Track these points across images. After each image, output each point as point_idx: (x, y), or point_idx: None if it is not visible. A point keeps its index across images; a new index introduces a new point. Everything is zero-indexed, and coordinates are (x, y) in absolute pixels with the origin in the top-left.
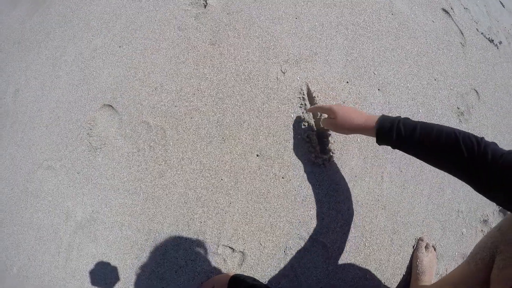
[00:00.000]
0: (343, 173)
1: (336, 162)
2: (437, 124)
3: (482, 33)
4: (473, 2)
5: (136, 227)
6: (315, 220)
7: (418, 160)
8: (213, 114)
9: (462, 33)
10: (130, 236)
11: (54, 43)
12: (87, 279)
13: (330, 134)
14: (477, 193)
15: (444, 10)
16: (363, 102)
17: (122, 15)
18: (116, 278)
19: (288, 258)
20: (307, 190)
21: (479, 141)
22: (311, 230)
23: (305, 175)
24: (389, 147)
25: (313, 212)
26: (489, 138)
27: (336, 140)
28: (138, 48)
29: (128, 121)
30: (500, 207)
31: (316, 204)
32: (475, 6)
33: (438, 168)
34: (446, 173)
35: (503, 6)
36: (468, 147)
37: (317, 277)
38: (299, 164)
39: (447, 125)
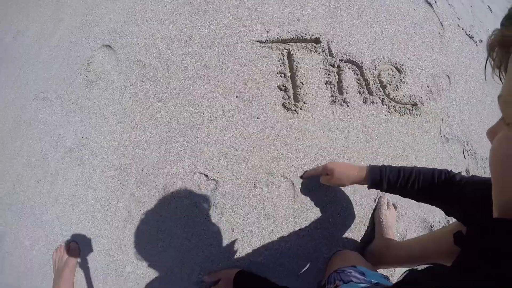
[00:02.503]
0: (312, 122)
1: (307, 112)
2: (416, 167)
3: (462, 29)
4: (459, 0)
5: (121, 152)
6: (284, 159)
7: (384, 122)
8: (201, 59)
9: (442, 24)
10: (114, 160)
11: None
12: (68, 202)
13: (303, 85)
14: (438, 161)
15: (427, 2)
16: (335, 61)
17: None
18: (97, 201)
19: (258, 191)
20: (279, 131)
21: (448, 172)
22: (280, 168)
23: (278, 118)
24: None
25: (283, 151)
26: (456, 120)
27: (309, 93)
28: None
29: (124, 59)
30: None
31: (286, 145)
32: (460, 4)
33: (418, 201)
34: (410, 140)
35: (491, 10)
36: (439, 179)
37: (283, 212)
38: (273, 108)
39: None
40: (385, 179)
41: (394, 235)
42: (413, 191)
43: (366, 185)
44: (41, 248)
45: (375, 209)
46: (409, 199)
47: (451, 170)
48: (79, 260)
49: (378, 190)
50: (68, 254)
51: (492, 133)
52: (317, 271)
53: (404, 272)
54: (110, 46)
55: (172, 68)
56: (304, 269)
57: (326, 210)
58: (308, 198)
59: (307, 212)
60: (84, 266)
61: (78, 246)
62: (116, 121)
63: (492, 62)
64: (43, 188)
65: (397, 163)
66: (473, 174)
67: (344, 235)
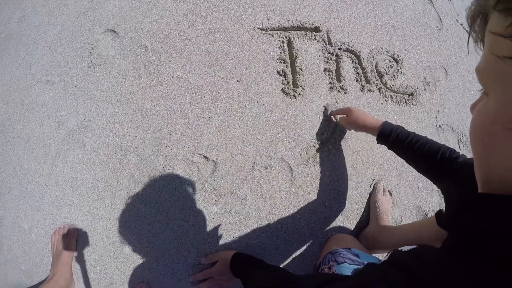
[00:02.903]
0: (310, 107)
1: (306, 97)
2: (425, 137)
3: (461, 24)
4: None
5: (123, 133)
6: (282, 142)
7: (380, 110)
8: (203, 44)
9: (440, 19)
10: (116, 142)
11: None
12: (69, 184)
13: (302, 71)
14: None
15: None
16: (334, 50)
17: None
18: (97, 182)
19: (256, 173)
20: (277, 115)
21: (453, 151)
22: (278, 151)
23: (277, 103)
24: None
25: (281, 135)
26: (452, 111)
27: (307, 79)
28: None
29: (128, 44)
30: None
31: (284, 128)
32: (460, 1)
33: (413, 166)
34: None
35: None
36: (442, 155)
37: (280, 195)
38: (272, 93)
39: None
40: (394, 135)
41: (389, 221)
42: (415, 156)
43: (375, 138)
44: (39, 231)
45: (370, 194)
46: (404, 188)
47: (457, 151)
48: (77, 242)
49: (374, 178)
50: (67, 237)
51: (473, 106)
52: (312, 255)
53: (388, 252)
54: (114, 31)
55: (175, 52)
56: (299, 252)
57: (322, 194)
58: (305, 182)
59: (304, 195)
60: (82, 249)
61: (77, 229)
62: (119, 103)
63: (474, 35)
64: (43, 171)
65: (391, 152)
66: None
67: (339, 219)
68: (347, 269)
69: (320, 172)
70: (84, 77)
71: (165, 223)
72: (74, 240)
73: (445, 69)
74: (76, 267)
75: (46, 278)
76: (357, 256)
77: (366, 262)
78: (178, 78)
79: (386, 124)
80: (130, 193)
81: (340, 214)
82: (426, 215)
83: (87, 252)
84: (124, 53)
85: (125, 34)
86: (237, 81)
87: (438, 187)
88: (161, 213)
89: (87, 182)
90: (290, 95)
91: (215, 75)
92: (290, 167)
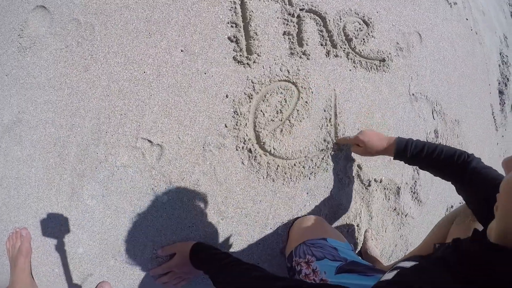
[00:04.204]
0: (267, 76)
1: (261, 65)
2: (440, 144)
3: None
4: None
5: (59, 123)
6: (234, 118)
7: (348, 77)
8: (142, 11)
9: None
10: (53, 133)
11: None
12: (12, 185)
13: (257, 36)
14: (406, 120)
15: None
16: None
17: None
18: (40, 180)
19: (207, 155)
20: (229, 87)
21: (469, 155)
22: (231, 127)
23: (228, 73)
24: None
25: (233, 109)
26: (426, 79)
27: (264, 44)
28: None
29: (59, 20)
30: None
31: (238, 102)
32: None
33: (435, 174)
34: (377, 97)
35: None
36: (459, 159)
37: (237, 177)
38: (223, 62)
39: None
40: (410, 150)
41: (380, 262)
42: (433, 165)
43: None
44: None
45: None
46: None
47: (472, 154)
48: (32, 245)
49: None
50: (21, 241)
51: (507, 163)
52: (277, 238)
53: (393, 268)
54: (44, 7)
55: (110, 24)
56: (263, 236)
57: (285, 173)
58: (264, 161)
59: (264, 176)
60: (38, 251)
61: (29, 232)
62: (52, 89)
63: None
64: None
65: (362, 121)
66: (442, 135)
67: (305, 198)
68: (330, 267)
69: (281, 149)
70: (15, 64)
71: (115, 218)
72: (28, 243)
73: (419, 34)
74: (38, 271)
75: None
76: (335, 249)
77: (346, 258)
78: (115, 53)
79: (399, 143)
80: (75, 188)
81: (306, 193)
82: (399, 189)
83: (43, 254)
84: (55, 30)
85: (55, 8)
86: (181, 51)
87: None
88: (109, 207)
89: (30, 181)
90: (244, 64)
91: (156, 46)
92: (247, 145)
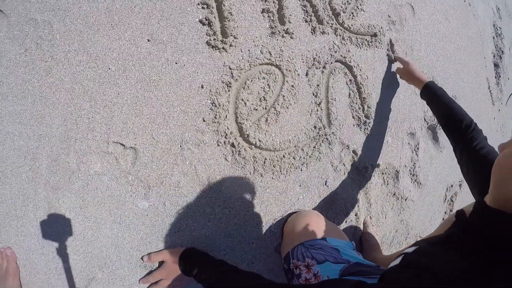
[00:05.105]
0: (246, 60)
1: (239, 48)
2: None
3: None
4: None
5: (27, 134)
6: (213, 110)
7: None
8: (102, 1)
9: None
10: (21, 146)
11: None
12: None
13: (232, 16)
14: (402, 98)
15: None
16: None
17: None
18: (15, 197)
19: (186, 154)
20: (204, 76)
21: (472, 130)
22: (209, 121)
23: (202, 60)
24: None
25: (211, 101)
26: (421, 53)
27: (240, 25)
28: None
29: (16, 22)
30: (429, 124)
31: (215, 92)
32: None
33: (440, 121)
34: (370, 75)
35: None
36: (467, 122)
37: (221, 175)
38: (195, 48)
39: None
40: (437, 90)
41: (381, 250)
42: (444, 116)
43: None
44: None
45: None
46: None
47: (475, 129)
48: (18, 264)
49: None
50: (6, 261)
51: (502, 147)
52: (271, 236)
53: (399, 256)
54: (0, 10)
55: (69, 19)
56: (256, 235)
57: (274, 166)
58: (249, 154)
59: (251, 171)
60: (25, 270)
61: (12, 251)
62: (15, 98)
63: None
64: None
65: (355, 101)
66: None
67: (298, 191)
68: (333, 271)
69: (268, 140)
70: None
71: (96, 229)
72: (14, 263)
73: (411, 6)
74: None
75: None
76: (337, 250)
77: (350, 260)
78: (76, 51)
79: (431, 84)
80: (51, 202)
81: (298, 185)
82: (397, 173)
83: (30, 273)
84: (13, 34)
85: (11, 10)
86: (148, 40)
87: (452, 145)
88: (88, 219)
89: (6, 199)
90: (219, 48)
91: (120, 38)
92: (229, 140)
